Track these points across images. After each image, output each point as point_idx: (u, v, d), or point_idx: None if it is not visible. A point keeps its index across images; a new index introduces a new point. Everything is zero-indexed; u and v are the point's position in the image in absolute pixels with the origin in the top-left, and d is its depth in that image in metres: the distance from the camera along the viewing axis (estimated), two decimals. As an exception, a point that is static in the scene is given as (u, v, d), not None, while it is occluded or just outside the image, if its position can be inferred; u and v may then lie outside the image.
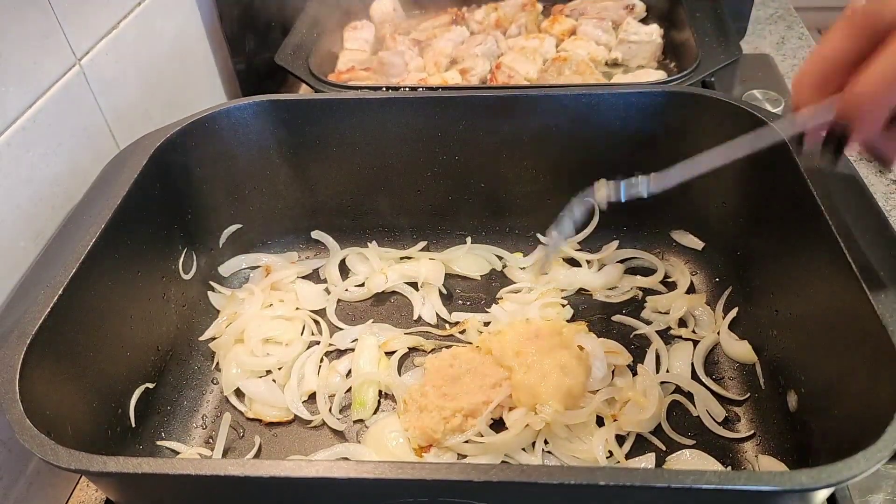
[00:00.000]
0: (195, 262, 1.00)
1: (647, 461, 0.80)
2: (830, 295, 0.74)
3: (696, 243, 1.04)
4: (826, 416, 0.73)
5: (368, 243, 1.09)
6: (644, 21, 1.45)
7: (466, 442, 0.82)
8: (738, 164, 0.93)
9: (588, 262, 1.05)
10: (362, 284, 1.05)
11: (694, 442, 0.83)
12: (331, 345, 0.97)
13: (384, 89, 1.17)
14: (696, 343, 0.93)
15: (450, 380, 0.87)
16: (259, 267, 1.08)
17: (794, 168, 0.81)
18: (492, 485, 0.56)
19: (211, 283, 1.03)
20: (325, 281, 1.07)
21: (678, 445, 0.83)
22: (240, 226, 1.06)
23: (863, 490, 0.76)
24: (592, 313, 0.99)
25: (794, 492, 0.54)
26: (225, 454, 0.86)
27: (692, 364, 0.91)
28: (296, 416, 0.89)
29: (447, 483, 0.57)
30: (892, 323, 0.63)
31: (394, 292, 1.05)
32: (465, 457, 0.83)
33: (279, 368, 0.93)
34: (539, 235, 1.08)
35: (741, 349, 0.90)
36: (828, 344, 0.75)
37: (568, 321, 0.97)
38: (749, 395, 0.87)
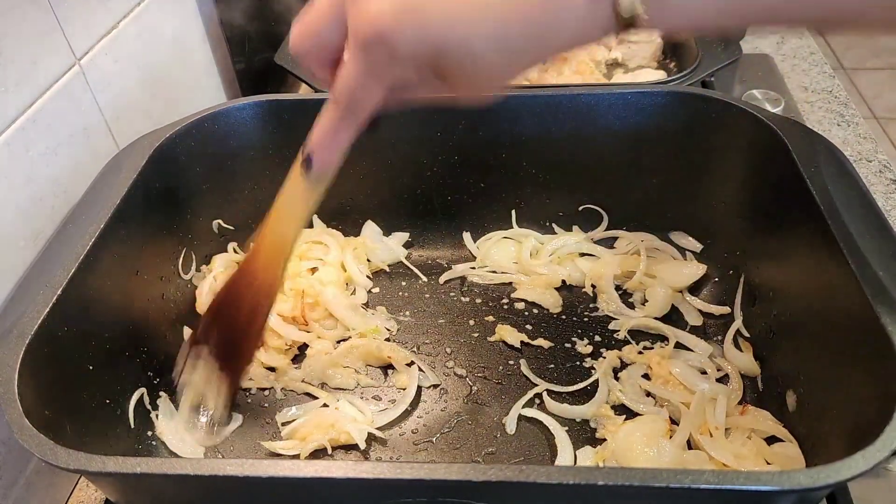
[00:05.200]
0: (194, 262, 1.00)
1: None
2: (829, 295, 0.74)
3: (695, 245, 1.03)
4: (825, 416, 0.73)
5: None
6: (644, 21, 1.45)
7: None
8: (736, 165, 0.95)
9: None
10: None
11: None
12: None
13: (384, 89, 1.17)
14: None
15: None
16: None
17: (794, 168, 0.81)
18: (490, 485, 0.56)
19: (210, 282, 1.03)
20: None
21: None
22: (239, 225, 1.06)
23: (863, 490, 0.75)
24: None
25: (793, 492, 0.54)
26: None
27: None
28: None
29: (446, 483, 0.57)
30: (890, 323, 0.63)
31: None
32: None
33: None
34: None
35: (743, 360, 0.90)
36: (826, 344, 0.75)
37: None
38: (748, 394, 0.87)
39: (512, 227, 1.08)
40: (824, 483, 0.53)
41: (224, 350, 0.79)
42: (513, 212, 1.08)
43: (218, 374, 0.79)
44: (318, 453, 0.84)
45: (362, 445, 0.83)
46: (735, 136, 0.93)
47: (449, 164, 1.04)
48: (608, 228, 1.07)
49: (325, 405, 0.89)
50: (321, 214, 1.10)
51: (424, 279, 1.06)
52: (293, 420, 0.87)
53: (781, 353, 0.85)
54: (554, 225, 1.08)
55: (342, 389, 0.91)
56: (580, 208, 1.06)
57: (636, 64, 1.39)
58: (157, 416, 0.86)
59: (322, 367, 0.92)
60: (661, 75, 1.29)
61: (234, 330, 0.77)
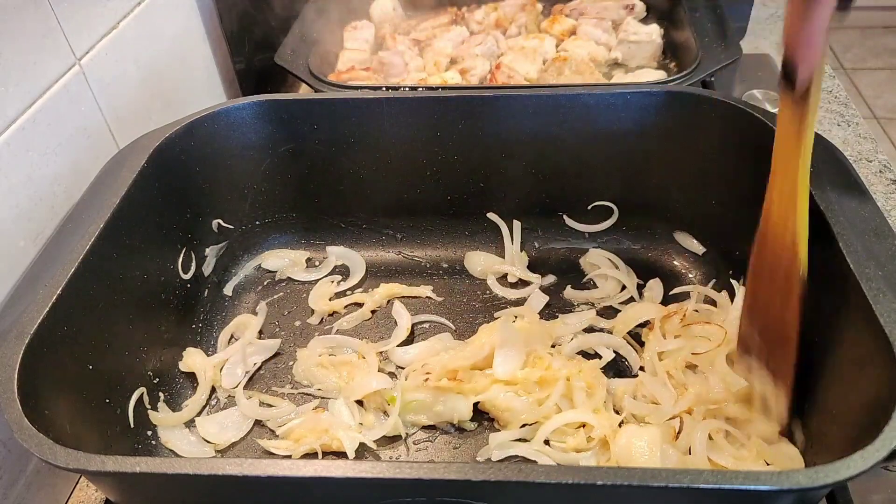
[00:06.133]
0: (194, 262, 1.00)
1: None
2: (828, 296, 0.74)
3: (698, 248, 1.03)
4: (824, 416, 0.73)
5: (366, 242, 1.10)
6: (644, 21, 1.45)
7: None
8: (736, 165, 0.94)
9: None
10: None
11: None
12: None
13: (384, 89, 1.17)
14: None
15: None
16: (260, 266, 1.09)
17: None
18: (489, 484, 0.56)
19: (209, 282, 1.03)
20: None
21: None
22: (239, 225, 1.07)
23: (863, 490, 0.75)
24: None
25: (792, 491, 0.54)
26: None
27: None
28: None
29: (445, 483, 0.57)
30: (890, 323, 0.63)
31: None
32: None
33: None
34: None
35: None
36: (826, 344, 0.75)
37: None
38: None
39: (512, 224, 1.08)
40: (823, 483, 0.53)
41: (769, 347, 0.73)
42: (515, 221, 1.08)
43: (771, 378, 0.74)
44: (310, 455, 0.83)
45: (351, 455, 0.82)
46: (735, 137, 0.93)
47: (449, 164, 1.04)
48: (612, 227, 1.07)
49: (318, 407, 0.88)
50: (320, 218, 1.10)
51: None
52: (289, 420, 0.87)
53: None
54: (565, 216, 1.08)
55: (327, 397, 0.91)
56: (589, 206, 1.06)
57: (636, 64, 1.39)
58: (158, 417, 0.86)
59: (310, 366, 0.93)
60: (661, 75, 1.29)
61: (771, 318, 0.71)
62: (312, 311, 1.03)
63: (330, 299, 1.04)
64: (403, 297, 1.04)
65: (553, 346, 0.93)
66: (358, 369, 0.91)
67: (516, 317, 0.97)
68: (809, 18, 0.52)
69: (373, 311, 1.03)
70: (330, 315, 1.02)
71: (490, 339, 0.89)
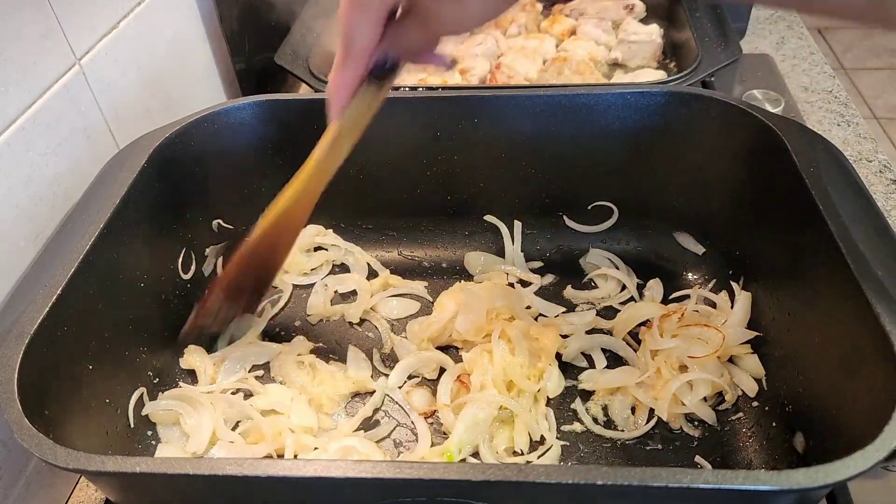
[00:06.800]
0: (194, 262, 1.00)
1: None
2: (829, 296, 0.74)
3: (698, 248, 1.03)
4: (824, 416, 0.73)
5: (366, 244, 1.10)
6: (644, 21, 1.45)
7: None
8: (736, 165, 0.95)
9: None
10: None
11: (699, 433, 0.83)
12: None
13: (384, 89, 1.17)
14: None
15: None
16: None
17: (794, 169, 0.81)
18: (489, 484, 0.56)
19: (210, 282, 1.03)
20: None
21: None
22: (239, 225, 1.06)
23: (863, 490, 0.75)
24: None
25: (792, 491, 0.54)
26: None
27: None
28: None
29: (445, 483, 0.57)
30: (890, 323, 0.63)
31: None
32: None
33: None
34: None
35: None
36: (826, 344, 0.75)
37: None
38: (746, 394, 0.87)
39: (512, 225, 1.08)
40: (823, 483, 0.53)
41: (244, 287, 0.93)
42: (515, 221, 1.08)
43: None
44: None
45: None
46: (735, 137, 0.93)
47: (449, 164, 1.04)
48: (612, 228, 1.07)
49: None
50: (324, 217, 1.10)
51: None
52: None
53: (781, 353, 0.85)
54: (565, 216, 1.07)
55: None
56: (589, 206, 1.06)
57: (636, 64, 1.39)
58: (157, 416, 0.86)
59: (285, 363, 0.93)
60: (661, 75, 1.29)
61: (260, 269, 0.93)
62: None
63: (331, 300, 1.04)
64: (399, 294, 1.04)
65: (528, 309, 0.98)
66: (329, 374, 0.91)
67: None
68: (342, 80, 0.70)
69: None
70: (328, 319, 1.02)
71: (450, 300, 0.96)
